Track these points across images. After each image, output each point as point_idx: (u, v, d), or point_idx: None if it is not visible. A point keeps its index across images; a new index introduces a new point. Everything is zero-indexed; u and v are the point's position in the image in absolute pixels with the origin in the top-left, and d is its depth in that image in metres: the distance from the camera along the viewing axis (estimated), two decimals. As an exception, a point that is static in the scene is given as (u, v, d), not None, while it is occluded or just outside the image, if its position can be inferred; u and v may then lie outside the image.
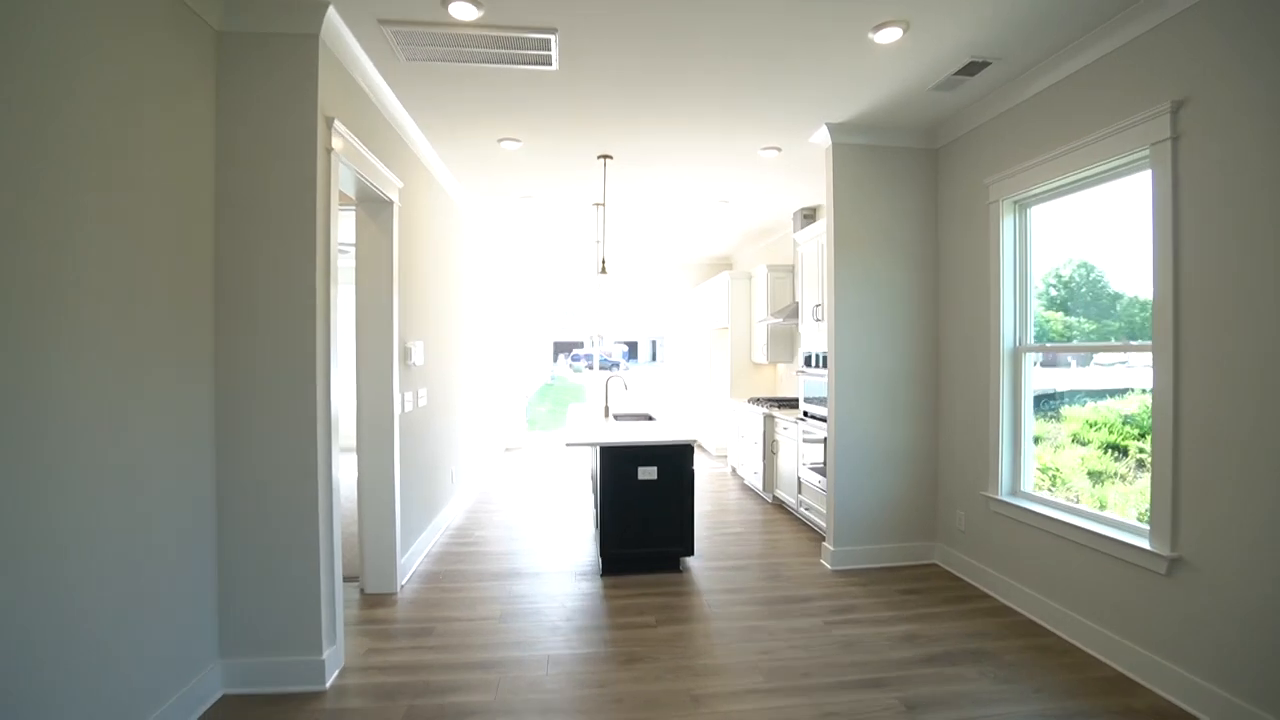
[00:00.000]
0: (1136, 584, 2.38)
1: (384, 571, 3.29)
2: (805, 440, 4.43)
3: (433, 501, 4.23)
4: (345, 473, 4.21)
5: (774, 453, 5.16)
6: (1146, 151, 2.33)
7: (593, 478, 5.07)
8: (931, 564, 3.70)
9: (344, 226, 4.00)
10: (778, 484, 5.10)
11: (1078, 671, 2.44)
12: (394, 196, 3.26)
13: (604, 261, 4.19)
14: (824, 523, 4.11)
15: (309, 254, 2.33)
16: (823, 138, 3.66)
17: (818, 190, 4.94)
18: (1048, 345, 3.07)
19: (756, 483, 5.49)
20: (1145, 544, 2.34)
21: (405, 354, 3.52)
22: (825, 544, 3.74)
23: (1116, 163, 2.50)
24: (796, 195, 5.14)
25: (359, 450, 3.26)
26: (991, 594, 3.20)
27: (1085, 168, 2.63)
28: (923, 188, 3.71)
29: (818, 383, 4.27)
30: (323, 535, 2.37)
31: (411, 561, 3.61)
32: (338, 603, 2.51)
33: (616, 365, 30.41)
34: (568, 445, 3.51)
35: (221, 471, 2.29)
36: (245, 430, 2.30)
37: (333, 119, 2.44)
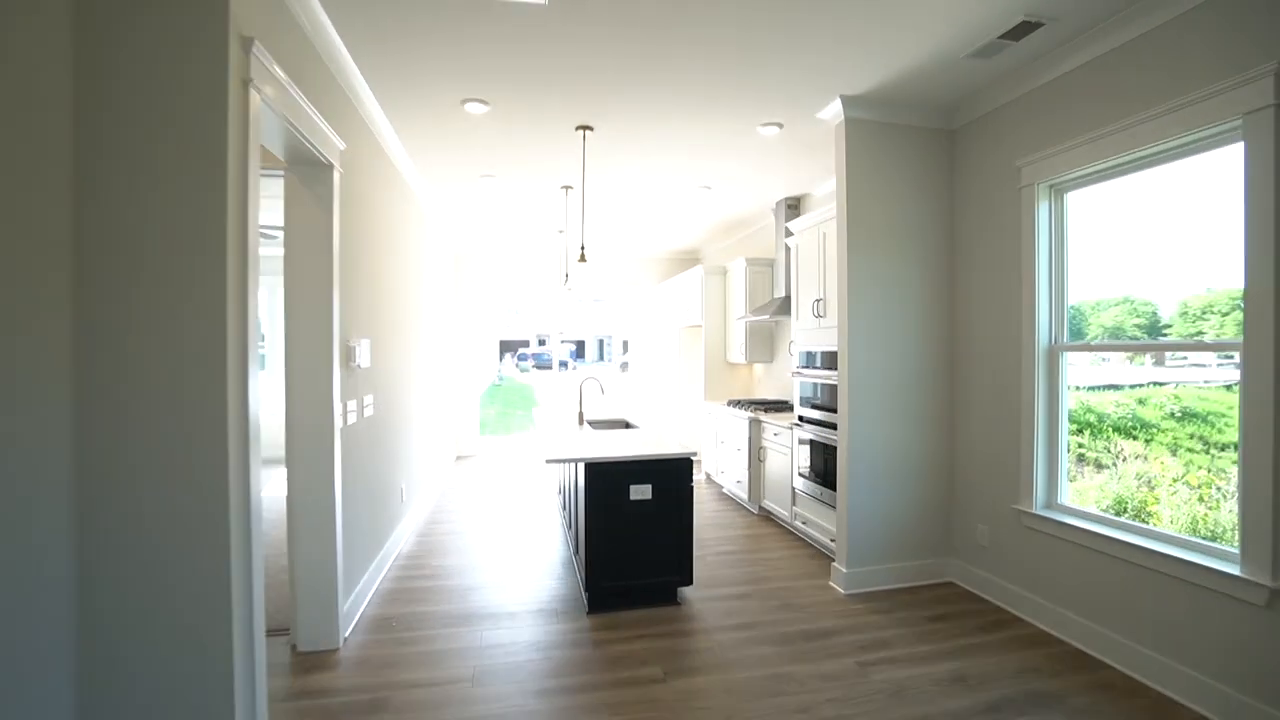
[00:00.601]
0: (1228, 616, 2.09)
1: (322, 622, 2.66)
2: (802, 448, 4.06)
3: (382, 527, 3.58)
4: (272, 492, 3.57)
5: (761, 460, 4.78)
6: (1238, 121, 2.04)
7: (562, 493, 4.54)
8: (947, 583, 3.39)
9: (270, 207, 3.35)
10: (765, 494, 4.73)
11: (1160, 717, 2.13)
12: (334, 160, 2.63)
13: (583, 249, 3.66)
14: (827, 539, 3.75)
15: (217, 220, 1.71)
16: (834, 112, 3.28)
17: (807, 177, 4.59)
18: (1093, 344, 2.79)
19: (739, 492, 5.10)
20: (1235, 570, 2.05)
21: (348, 355, 2.89)
22: (835, 564, 3.37)
23: (1194, 136, 2.21)
24: (781, 184, 4.78)
25: (289, 474, 2.61)
26: (1026, 618, 2.90)
27: (1152, 143, 2.34)
28: (937, 171, 3.40)
29: (819, 384, 3.90)
30: (238, 583, 1.75)
31: (357, 605, 2.97)
32: (259, 678, 1.89)
33: (563, 365, 29.79)
34: (548, 462, 2.97)
35: (84, 496, 1.65)
36: (121, 444, 1.67)
37: (251, 40, 1.82)
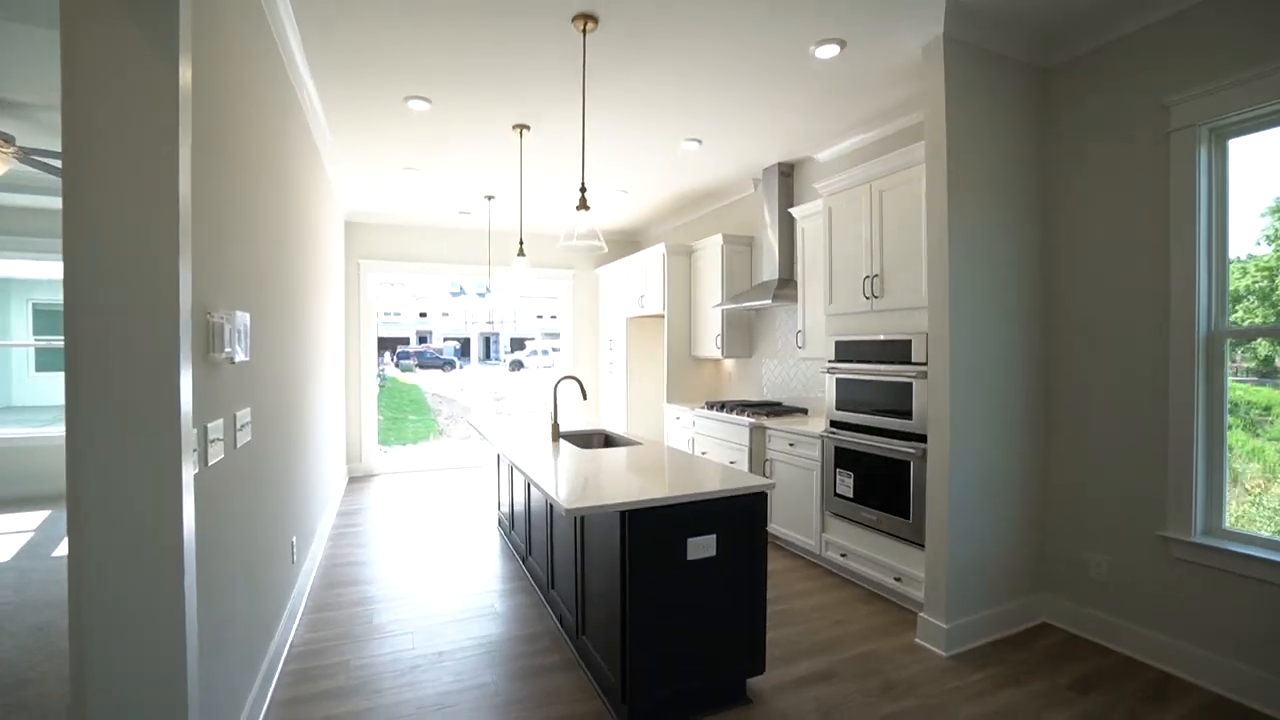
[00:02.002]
0: None
1: None
2: (840, 461, 3.26)
3: (266, 614, 2.24)
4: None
5: (766, 475, 3.94)
6: None
7: (513, 532, 3.39)
8: (1040, 625, 2.76)
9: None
10: (772, 517, 3.90)
11: None
12: (181, -41, 1.34)
13: (583, 192, 2.55)
14: (887, 578, 2.98)
15: None
16: (928, 28, 2.50)
17: (819, 133, 3.81)
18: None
19: (731, 513, 4.23)
20: None
21: (210, 338, 1.59)
22: (925, 617, 2.59)
23: None
24: (776, 145, 3.98)
25: (73, 564, 1.29)
26: (1188, 678, 2.28)
27: None
28: (1026, 115, 2.74)
29: (870, 382, 3.12)
30: None
31: (228, 785, 1.67)
32: None
33: (449, 364, 27.68)
34: (568, 510, 1.86)
35: None
36: None
37: None
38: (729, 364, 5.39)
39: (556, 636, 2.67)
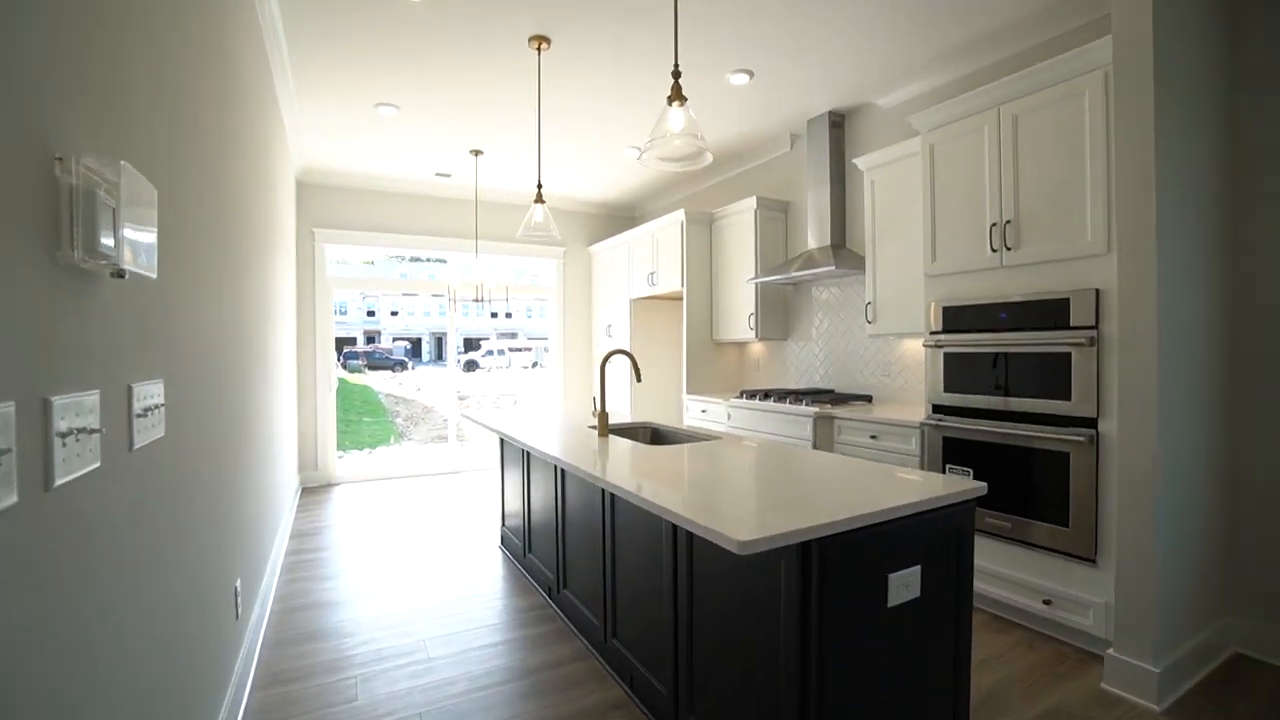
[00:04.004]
0: None
1: None
2: (955, 457, 2.63)
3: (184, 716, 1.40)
4: None
5: (834, 475, 3.28)
6: None
7: (519, 542, 2.61)
8: (1235, 656, 2.19)
9: None
10: (843, 524, 3.23)
11: None
12: None
13: (677, 78, 1.79)
14: (1031, 601, 2.36)
15: None
16: (1126, -127, 1.88)
17: (883, 70, 3.20)
18: None
19: (783, 521, 3.55)
20: None
21: (69, 217, 0.76)
22: (1119, 656, 1.97)
23: None
24: (828, 87, 3.34)
25: None
26: None
27: None
28: (1214, 33, 2.18)
29: (984, 356, 2.49)
30: None
31: None
32: None
33: (402, 364, 26.31)
34: (743, 544, 1.13)
35: None
36: None
37: None
38: (757, 348, 4.73)
39: (630, 710, 1.90)
